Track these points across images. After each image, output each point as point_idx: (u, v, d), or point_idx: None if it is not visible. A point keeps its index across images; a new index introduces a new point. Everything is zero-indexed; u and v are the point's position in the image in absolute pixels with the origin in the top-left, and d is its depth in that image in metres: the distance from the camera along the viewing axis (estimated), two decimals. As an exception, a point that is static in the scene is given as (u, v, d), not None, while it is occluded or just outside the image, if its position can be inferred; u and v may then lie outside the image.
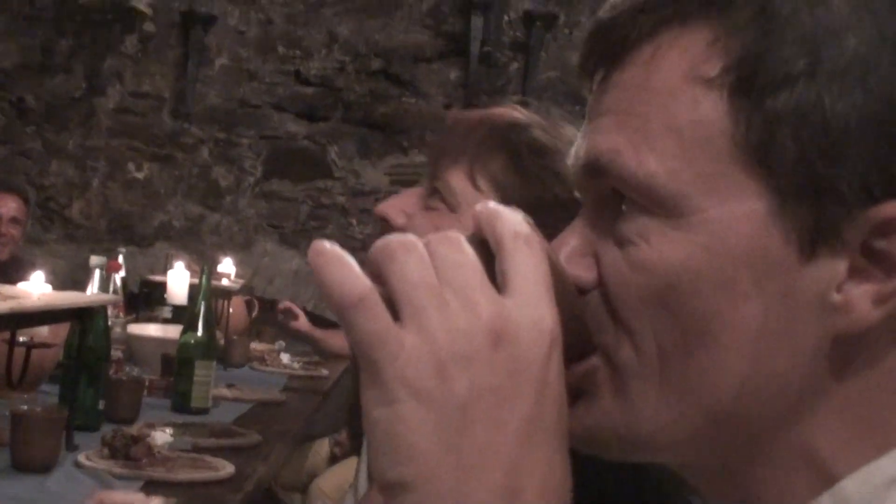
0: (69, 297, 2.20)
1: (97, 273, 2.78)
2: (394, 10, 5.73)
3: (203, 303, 2.85)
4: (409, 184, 5.59)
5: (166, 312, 3.86)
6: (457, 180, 1.26)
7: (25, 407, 2.02)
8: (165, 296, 3.85)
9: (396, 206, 1.29)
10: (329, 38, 5.73)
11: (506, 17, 5.73)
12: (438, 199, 1.26)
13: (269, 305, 4.69)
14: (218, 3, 5.67)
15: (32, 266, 4.47)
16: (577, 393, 0.61)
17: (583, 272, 0.61)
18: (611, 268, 0.60)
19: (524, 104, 1.35)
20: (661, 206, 0.57)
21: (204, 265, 3.14)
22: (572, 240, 0.62)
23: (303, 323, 4.14)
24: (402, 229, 1.19)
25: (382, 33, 5.73)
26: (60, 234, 5.64)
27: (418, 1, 5.74)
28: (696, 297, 0.57)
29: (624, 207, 0.59)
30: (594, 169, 0.60)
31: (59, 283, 4.58)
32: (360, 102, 5.71)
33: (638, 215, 0.58)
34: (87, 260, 5.54)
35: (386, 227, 1.26)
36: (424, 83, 5.73)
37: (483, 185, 1.25)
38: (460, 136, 1.30)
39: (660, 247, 0.58)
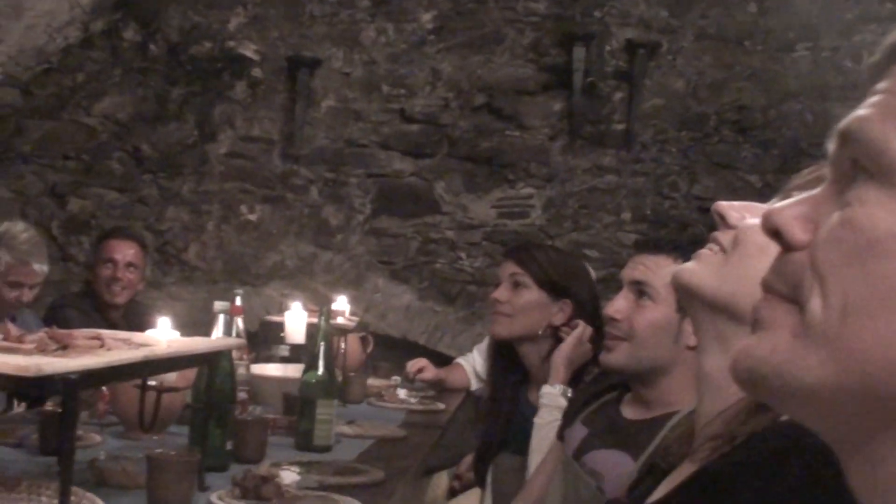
0: (198, 343, 2.26)
1: (221, 317, 2.85)
2: (495, 45, 5.79)
3: (323, 342, 2.90)
4: (516, 216, 5.67)
5: (283, 351, 3.93)
6: None
7: (160, 450, 2.08)
8: (282, 335, 3.93)
9: (736, 208, 1.37)
10: (432, 75, 5.80)
11: (608, 47, 5.74)
12: None
13: (383, 341, 4.76)
14: (323, 47, 5.79)
15: (150, 310, 4.62)
16: (758, 325, 0.67)
17: (799, 232, 0.65)
18: (825, 226, 0.64)
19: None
20: (886, 174, 0.61)
21: (323, 306, 3.20)
22: (803, 206, 0.67)
23: (430, 371, 4.19)
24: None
25: (485, 68, 5.79)
26: (178, 277, 5.80)
27: (519, 35, 5.79)
28: (893, 262, 0.60)
29: (857, 177, 0.63)
30: (843, 136, 0.65)
31: (179, 324, 4.71)
32: (464, 137, 5.77)
33: (865, 182, 0.62)
34: (204, 301, 5.69)
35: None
36: (528, 116, 5.76)
37: None
38: (813, 179, 1.34)
39: (873, 209, 0.61)
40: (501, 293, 2.97)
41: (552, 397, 2.82)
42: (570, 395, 2.79)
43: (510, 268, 2.99)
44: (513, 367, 2.99)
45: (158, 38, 5.84)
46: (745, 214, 1.35)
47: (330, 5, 5.82)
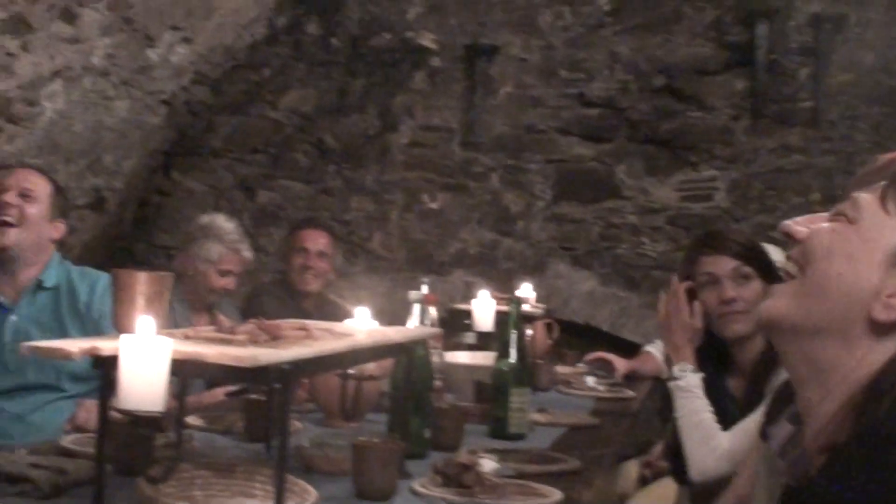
0: (397, 333, 2.30)
1: (417, 307, 2.89)
2: (674, 25, 5.69)
3: (514, 330, 2.91)
4: (700, 199, 5.56)
5: (469, 338, 3.95)
6: (865, 199, 1.39)
7: (364, 438, 2.13)
8: (468, 322, 3.95)
9: (800, 222, 1.45)
10: (610, 58, 5.75)
11: (792, 22, 5.57)
12: (841, 215, 1.42)
13: (566, 328, 4.74)
14: (500, 34, 5.80)
15: (340, 301, 4.71)
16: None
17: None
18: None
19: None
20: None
21: (513, 294, 3.21)
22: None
23: (622, 365, 4.15)
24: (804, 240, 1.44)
25: (664, 49, 5.69)
26: (363, 267, 5.91)
27: (699, 13, 5.68)
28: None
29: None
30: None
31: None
32: (645, 120, 5.70)
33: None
34: (388, 290, 5.79)
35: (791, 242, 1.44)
36: (709, 96, 5.65)
37: (893, 210, 1.37)
38: (883, 165, 1.53)
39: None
40: (730, 290, 2.88)
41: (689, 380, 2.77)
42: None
43: (727, 262, 2.89)
44: (715, 358, 2.92)
45: (339, 32, 5.95)
46: (808, 226, 1.43)
47: (506, -8, 5.83)
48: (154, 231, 6.03)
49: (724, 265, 2.90)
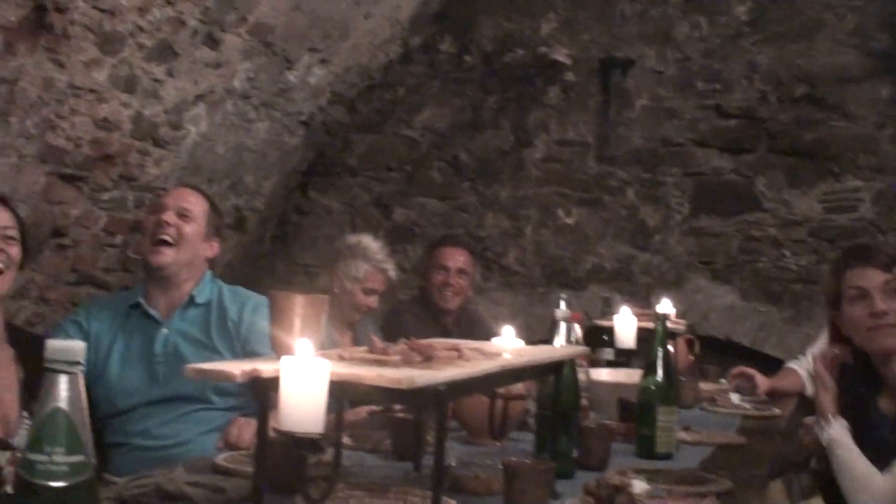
0: (546, 352, 2.29)
1: (563, 325, 2.88)
2: (815, 33, 5.57)
3: (660, 347, 2.87)
4: (843, 210, 5.41)
5: (608, 355, 3.91)
6: None
7: (514, 458, 2.12)
8: (606, 338, 3.91)
9: None
10: (749, 68, 5.65)
11: (941, 26, 5.40)
12: None
13: (705, 343, 4.66)
14: (635, 47, 5.76)
15: (480, 316, 4.72)
16: None
17: None
18: None
19: None
20: None
21: (653, 309, 3.17)
22: None
23: (763, 382, 4.07)
24: None
25: (804, 58, 5.57)
26: (498, 282, 5.91)
27: (840, 20, 5.55)
28: None
29: None
30: None
31: (499, 328, 4.80)
32: (785, 130, 5.58)
33: None
34: (524, 305, 5.78)
35: None
36: (853, 105, 5.50)
37: None
38: None
39: None
40: (881, 303, 2.81)
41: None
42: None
43: (877, 275, 2.82)
44: (864, 375, 2.84)
45: (473, 49, 5.98)
46: None
47: (641, 4, 5.78)
48: (293, 249, 6.14)
49: (873, 278, 2.83)
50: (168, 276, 3.13)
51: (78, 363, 1.10)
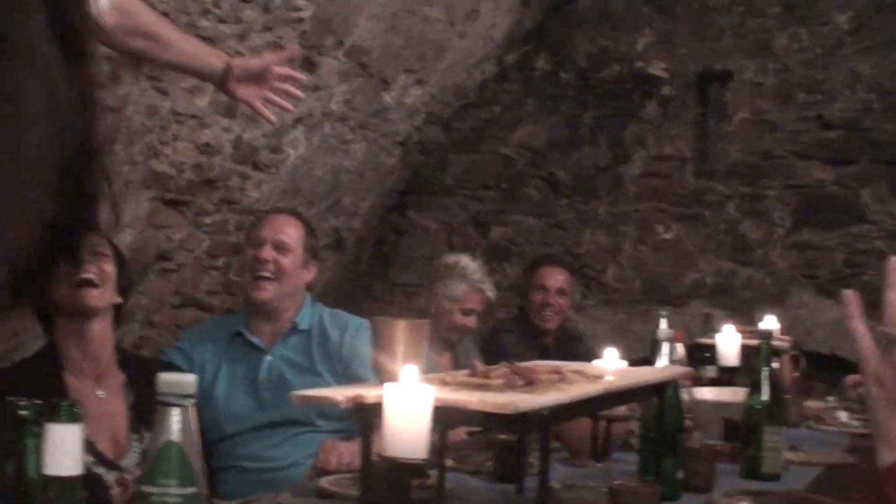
0: (649, 374, 2.27)
1: (665, 345, 2.84)
2: (919, 40, 5.44)
3: (766, 366, 2.82)
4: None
5: (710, 372, 3.86)
6: None
7: (620, 481, 2.10)
8: (707, 355, 3.86)
9: None
10: (851, 78, 5.53)
11: None
12: None
13: (810, 360, 4.57)
14: (733, 59, 5.68)
15: (581, 335, 4.69)
16: None
17: None
18: None
19: None
20: None
21: (756, 325, 3.12)
22: None
23: None
24: None
25: (909, 66, 5.45)
26: (598, 300, 5.87)
27: (946, 26, 5.41)
28: None
29: None
30: None
31: (598, 346, 4.77)
32: (890, 141, 5.46)
33: None
34: (623, 322, 5.73)
35: None
36: (961, 112, 5.36)
37: None
38: None
39: None
40: None
41: None
42: None
43: None
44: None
45: (568, 65, 5.96)
46: None
47: (738, 16, 5.70)
48: (391, 269, 6.17)
49: None
50: (270, 309, 3.19)
51: (189, 396, 1.12)
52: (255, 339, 3.20)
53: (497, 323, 4.68)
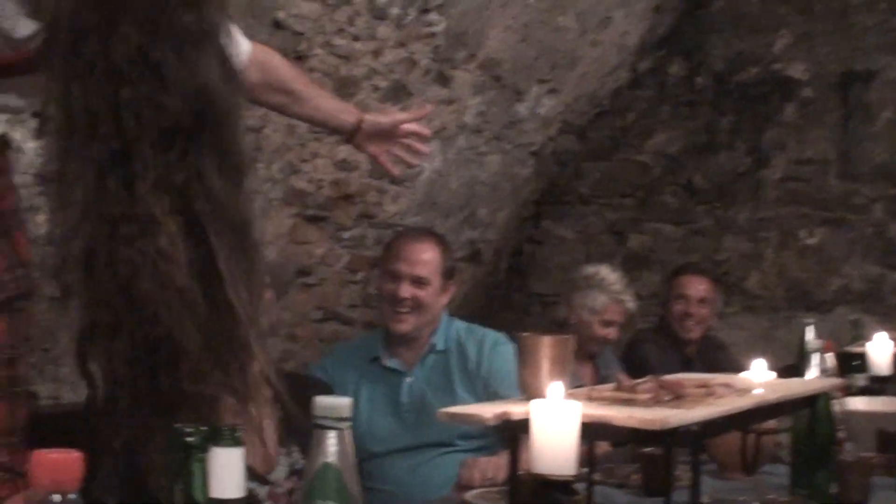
0: (800, 386, 2.21)
1: (815, 355, 2.77)
2: None
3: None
4: None
5: (860, 381, 3.75)
6: None
7: (772, 496, 2.06)
8: (857, 364, 3.75)
9: None
10: None
11: None
12: None
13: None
14: (876, 58, 5.52)
15: (724, 344, 4.60)
16: None
17: None
18: None
19: None
20: None
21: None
22: None
23: None
24: None
25: None
26: (740, 307, 5.75)
27: None
28: None
29: None
30: None
31: (742, 353, 4.67)
32: None
33: None
34: (766, 330, 5.61)
35: None
36: None
37: None
38: None
39: None
40: None
41: None
42: None
43: None
44: None
45: (703, 70, 5.87)
46: None
47: (880, 13, 5.53)
48: (528, 280, 6.16)
49: None
50: (409, 338, 3.23)
51: (346, 419, 1.14)
52: (394, 364, 3.24)
53: (638, 333, 4.63)
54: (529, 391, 1.78)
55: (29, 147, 2.39)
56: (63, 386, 3.45)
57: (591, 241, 6.05)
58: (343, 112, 2.44)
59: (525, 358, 1.83)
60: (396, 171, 2.53)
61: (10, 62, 1.52)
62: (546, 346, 1.78)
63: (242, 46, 2.09)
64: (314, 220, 4.46)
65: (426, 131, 2.54)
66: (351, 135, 2.40)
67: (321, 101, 2.41)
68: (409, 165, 2.55)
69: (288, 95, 2.30)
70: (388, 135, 2.42)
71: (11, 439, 1.74)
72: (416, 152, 2.50)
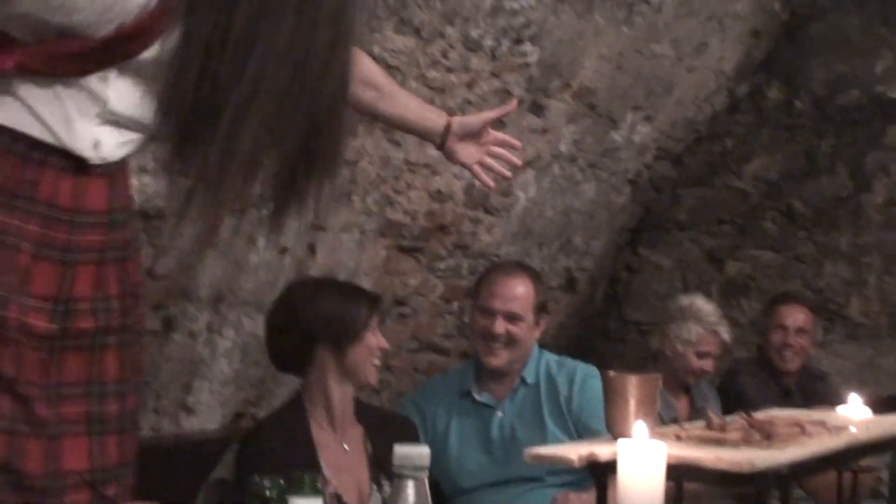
0: (892, 424, 2.17)
1: (915, 391, 2.72)
2: None
3: None
4: None
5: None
6: None
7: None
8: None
9: None
10: None
11: None
12: None
13: None
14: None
15: (824, 375, 4.52)
16: None
17: None
18: None
19: None
20: None
21: None
22: None
23: None
24: None
25: None
26: (841, 335, 5.63)
27: None
28: None
29: None
30: None
31: (844, 382, 4.57)
32: None
33: None
34: (869, 358, 5.48)
35: None
36: None
37: None
38: None
39: None
40: None
41: None
42: None
43: None
44: None
45: (802, 93, 5.78)
46: None
47: None
48: (624, 308, 6.11)
49: None
50: (501, 373, 3.24)
51: (423, 468, 1.15)
52: (485, 398, 3.25)
53: (735, 364, 4.56)
54: (615, 430, 1.78)
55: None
56: (164, 418, 3.53)
57: (689, 268, 5.99)
58: (433, 113, 2.42)
59: (611, 396, 1.82)
60: (490, 182, 2.51)
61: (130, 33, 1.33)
62: (632, 386, 1.78)
63: None
64: (409, 251, 4.50)
65: (516, 143, 2.52)
66: (442, 138, 2.38)
67: (411, 101, 2.40)
68: (504, 177, 2.53)
69: (378, 90, 2.28)
70: (479, 137, 2.39)
71: (118, 472, 1.77)
72: (509, 163, 2.48)
